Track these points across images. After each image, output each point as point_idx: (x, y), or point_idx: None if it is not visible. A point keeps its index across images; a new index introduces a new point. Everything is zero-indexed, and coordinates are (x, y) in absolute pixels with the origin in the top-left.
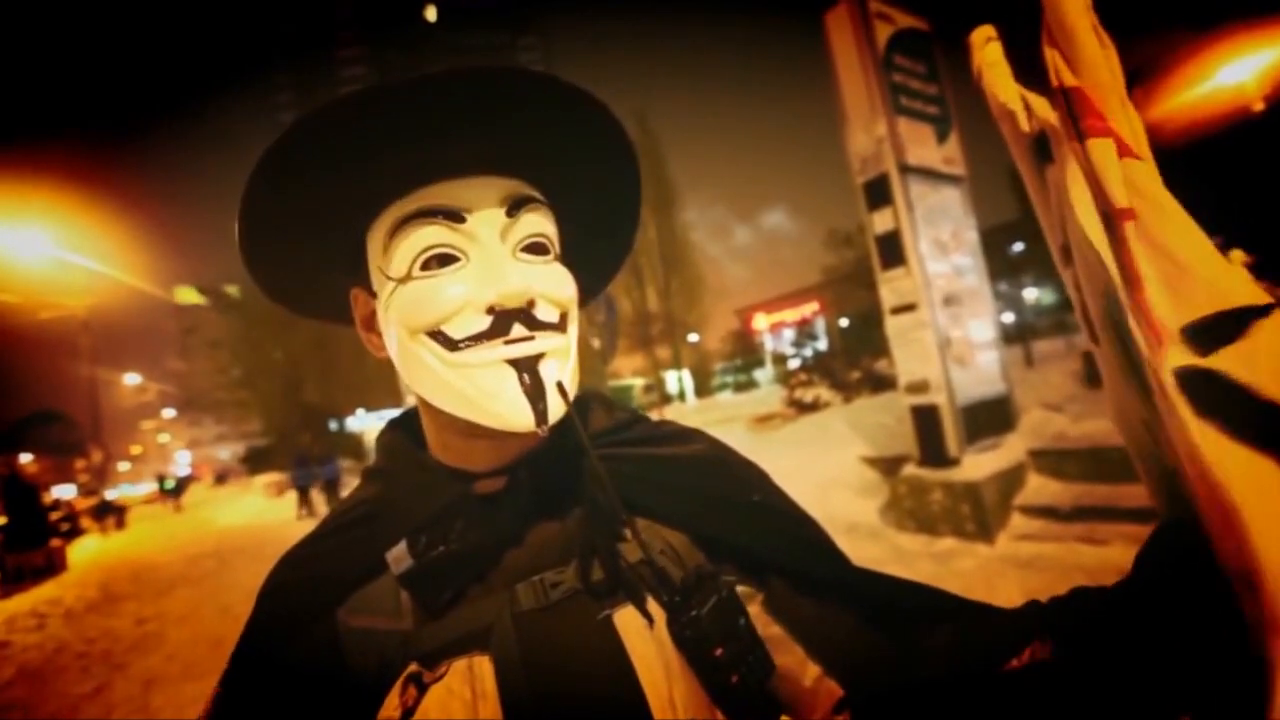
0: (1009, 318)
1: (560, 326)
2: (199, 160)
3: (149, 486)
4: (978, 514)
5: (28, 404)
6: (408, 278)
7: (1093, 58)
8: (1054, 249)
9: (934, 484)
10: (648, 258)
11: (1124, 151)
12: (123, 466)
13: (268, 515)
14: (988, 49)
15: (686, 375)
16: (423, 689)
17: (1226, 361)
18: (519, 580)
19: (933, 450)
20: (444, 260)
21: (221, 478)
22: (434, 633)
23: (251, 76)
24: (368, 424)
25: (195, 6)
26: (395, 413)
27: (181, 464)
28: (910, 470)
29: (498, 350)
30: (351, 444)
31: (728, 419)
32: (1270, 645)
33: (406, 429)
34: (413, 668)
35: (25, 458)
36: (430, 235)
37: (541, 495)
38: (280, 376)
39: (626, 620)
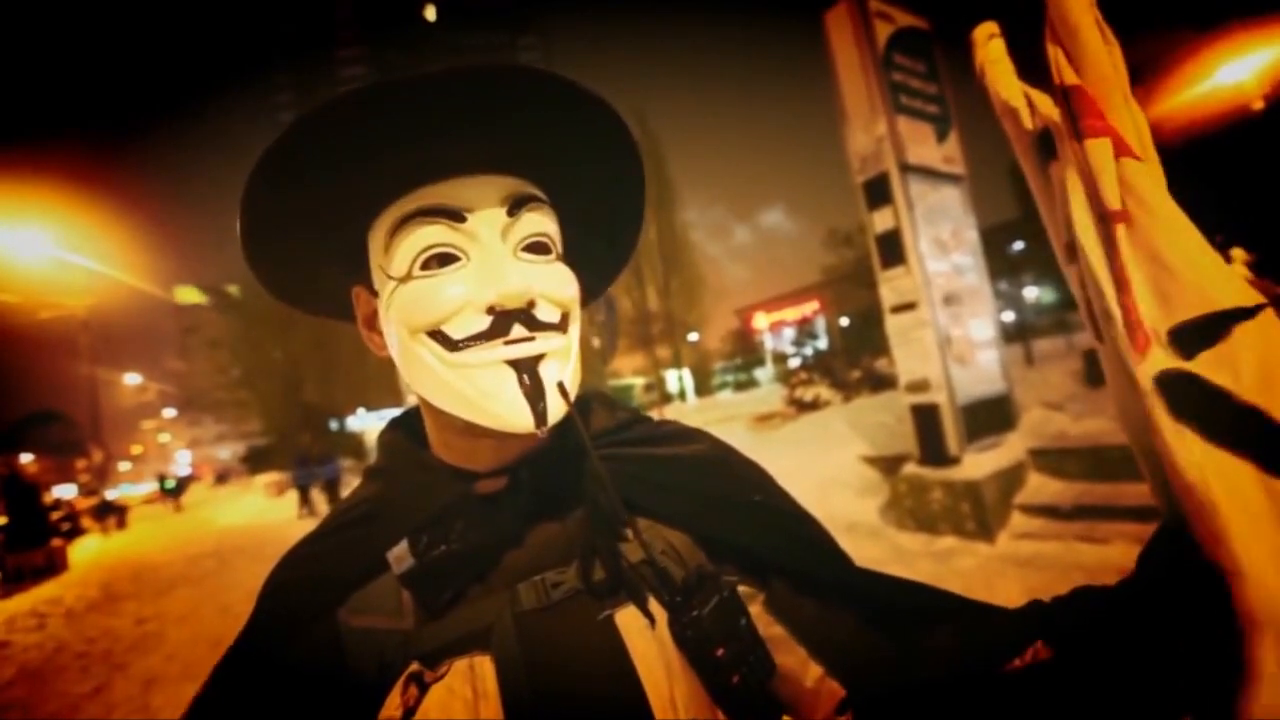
0: (1009, 316)
1: (561, 327)
2: (199, 160)
3: (149, 486)
4: (978, 513)
5: (28, 404)
6: (408, 277)
7: (1096, 54)
8: (1058, 246)
9: (934, 483)
10: (648, 257)
11: (1123, 151)
12: (123, 466)
13: (268, 515)
14: (990, 46)
15: (687, 374)
16: (424, 688)
17: (1206, 366)
18: (520, 580)
19: (933, 449)
20: (444, 260)
21: (222, 477)
22: (435, 632)
23: (251, 76)
24: (368, 423)
25: (195, 6)
26: (396, 412)
27: (182, 464)
28: (910, 469)
29: (497, 351)
30: (352, 443)
31: (728, 418)
32: (1248, 643)
33: (408, 428)
34: (414, 667)
35: (25, 458)
36: (430, 235)
37: (543, 495)
38: (280, 376)
39: (628, 620)
